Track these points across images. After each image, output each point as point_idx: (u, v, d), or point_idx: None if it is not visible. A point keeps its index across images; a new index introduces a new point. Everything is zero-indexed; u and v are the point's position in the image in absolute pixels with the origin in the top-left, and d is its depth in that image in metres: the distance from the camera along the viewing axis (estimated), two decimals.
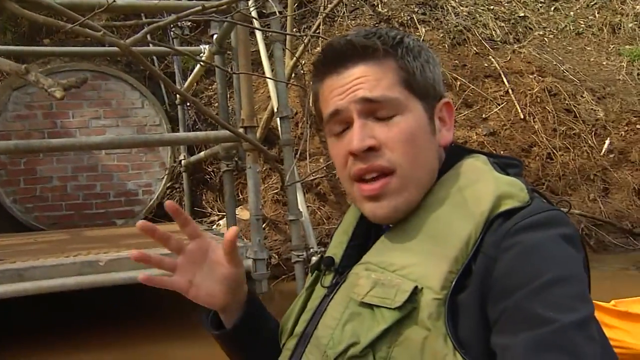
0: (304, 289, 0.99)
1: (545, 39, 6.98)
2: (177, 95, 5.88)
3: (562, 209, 0.85)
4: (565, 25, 7.21)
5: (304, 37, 4.75)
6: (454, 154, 0.92)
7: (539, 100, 6.10)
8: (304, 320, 0.92)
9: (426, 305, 0.75)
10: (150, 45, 5.31)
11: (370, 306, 0.79)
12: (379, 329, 0.77)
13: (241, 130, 3.68)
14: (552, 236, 0.76)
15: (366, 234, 0.97)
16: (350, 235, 0.97)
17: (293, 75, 5.56)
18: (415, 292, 0.76)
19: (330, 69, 0.89)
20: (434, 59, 0.93)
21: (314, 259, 4.45)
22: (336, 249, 0.97)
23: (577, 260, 0.76)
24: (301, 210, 4.32)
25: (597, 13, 7.41)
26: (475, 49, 6.38)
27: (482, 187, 0.82)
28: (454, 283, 0.76)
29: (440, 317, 0.74)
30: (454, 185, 0.85)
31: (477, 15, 6.78)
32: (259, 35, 4.99)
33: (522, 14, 7.09)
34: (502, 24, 6.84)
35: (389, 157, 0.85)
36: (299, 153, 5.06)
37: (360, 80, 0.86)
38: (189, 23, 5.73)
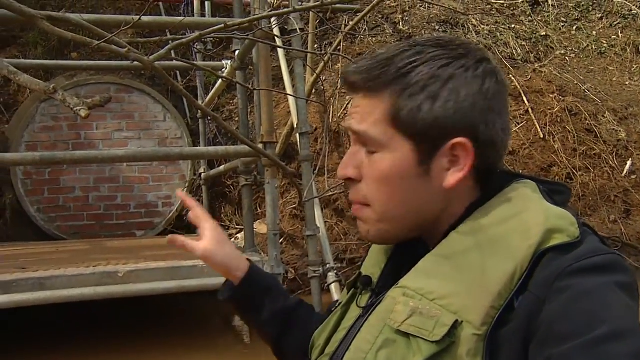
0: (339, 306, 0.96)
1: (567, 58, 6.94)
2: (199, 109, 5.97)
3: (613, 248, 0.80)
4: (588, 45, 7.17)
5: (325, 54, 4.80)
6: (501, 178, 0.87)
7: (559, 120, 6.06)
8: (337, 340, 0.90)
9: (465, 341, 0.72)
10: (173, 60, 5.40)
11: (407, 335, 0.76)
12: None
13: (260, 145, 3.72)
14: (609, 283, 0.71)
15: (402, 253, 0.94)
16: (389, 254, 0.94)
17: (313, 91, 5.62)
18: (455, 326, 0.73)
19: (349, 91, 0.91)
20: (455, 93, 0.81)
21: (331, 274, 4.48)
22: (374, 268, 0.94)
23: (633, 312, 0.70)
24: (319, 225, 4.34)
25: (621, 33, 7.36)
26: None
27: (530, 218, 0.78)
28: (495, 319, 0.72)
29: (478, 353, 0.71)
30: (500, 214, 0.80)
31: (498, 34, 6.78)
32: (280, 51, 5.06)
33: (544, 33, 7.07)
34: (523, 43, 6.83)
35: (365, 193, 0.86)
36: (317, 169, 5.09)
37: (356, 110, 0.87)
38: (212, 39, 5.83)
